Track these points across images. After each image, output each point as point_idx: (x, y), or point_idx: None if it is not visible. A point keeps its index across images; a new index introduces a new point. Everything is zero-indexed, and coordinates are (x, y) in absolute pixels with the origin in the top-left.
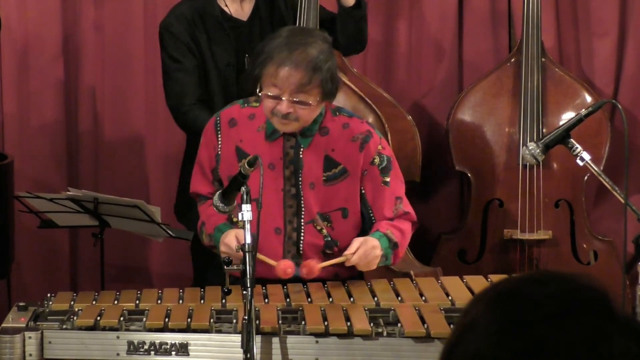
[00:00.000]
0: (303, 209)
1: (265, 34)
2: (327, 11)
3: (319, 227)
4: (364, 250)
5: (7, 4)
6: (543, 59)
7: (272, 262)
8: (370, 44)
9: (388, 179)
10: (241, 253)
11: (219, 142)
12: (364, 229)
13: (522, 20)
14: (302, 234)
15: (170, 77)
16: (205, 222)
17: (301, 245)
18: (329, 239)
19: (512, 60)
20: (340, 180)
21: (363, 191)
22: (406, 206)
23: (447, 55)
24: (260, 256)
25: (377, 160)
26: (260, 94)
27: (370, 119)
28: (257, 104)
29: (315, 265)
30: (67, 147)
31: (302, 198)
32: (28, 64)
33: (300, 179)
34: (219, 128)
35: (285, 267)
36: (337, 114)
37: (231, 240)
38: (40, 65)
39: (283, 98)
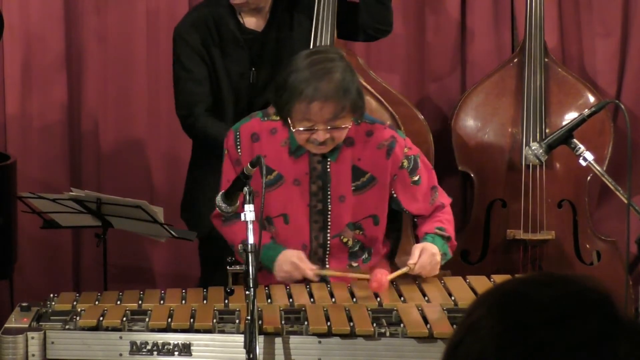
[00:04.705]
0: (330, 224)
1: (282, 43)
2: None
3: (345, 239)
4: (426, 258)
5: (10, 6)
6: (546, 59)
7: (364, 275)
8: (373, 44)
9: (417, 177)
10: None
11: (240, 156)
12: (389, 228)
13: (525, 20)
14: (327, 250)
15: (180, 86)
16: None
17: (327, 261)
18: (355, 249)
19: (515, 60)
20: (369, 188)
21: (394, 194)
22: (441, 195)
23: (450, 55)
24: (352, 274)
25: (405, 163)
26: (292, 129)
27: (388, 122)
28: (277, 117)
29: (386, 281)
30: (69, 148)
31: (330, 212)
32: (31, 64)
33: (329, 193)
34: (238, 142)
35: (380, 280)
36: (359, 121)
37: (295, 268)
38: (43, 66)
39: (318, 128)
